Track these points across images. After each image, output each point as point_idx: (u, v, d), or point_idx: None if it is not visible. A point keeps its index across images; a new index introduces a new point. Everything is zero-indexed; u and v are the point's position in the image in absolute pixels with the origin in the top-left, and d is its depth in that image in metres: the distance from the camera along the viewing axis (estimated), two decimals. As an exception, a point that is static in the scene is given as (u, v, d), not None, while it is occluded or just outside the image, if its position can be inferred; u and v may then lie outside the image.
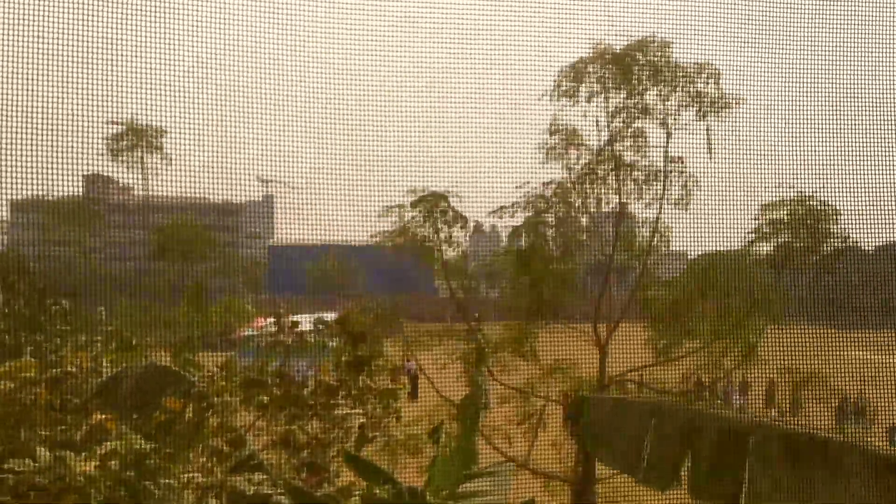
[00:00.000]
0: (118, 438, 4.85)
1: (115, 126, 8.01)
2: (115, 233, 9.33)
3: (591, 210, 10.78)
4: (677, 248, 11.88)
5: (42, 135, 6.28)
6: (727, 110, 9.36)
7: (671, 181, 9.90)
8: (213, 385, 5.73)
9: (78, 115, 6.37)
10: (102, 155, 8.02)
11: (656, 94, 9.74)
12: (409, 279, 11.77)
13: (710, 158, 9.44)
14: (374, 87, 8.96)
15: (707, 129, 9.44)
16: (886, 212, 7.76)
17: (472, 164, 10.27)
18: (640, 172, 9.99)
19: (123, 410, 5.60)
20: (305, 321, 6.73)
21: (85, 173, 6.51)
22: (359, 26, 7.90)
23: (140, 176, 8.85)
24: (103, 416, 5.08)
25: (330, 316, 7.08)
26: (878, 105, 7.93)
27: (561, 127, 10.11)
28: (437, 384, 10.72)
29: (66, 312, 7.45)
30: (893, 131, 7.76)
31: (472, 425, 5.69)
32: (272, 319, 6.57)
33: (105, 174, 8.90)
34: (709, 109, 9.44)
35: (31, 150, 6.30)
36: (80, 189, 7.19)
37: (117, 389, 5.92)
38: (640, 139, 9.97)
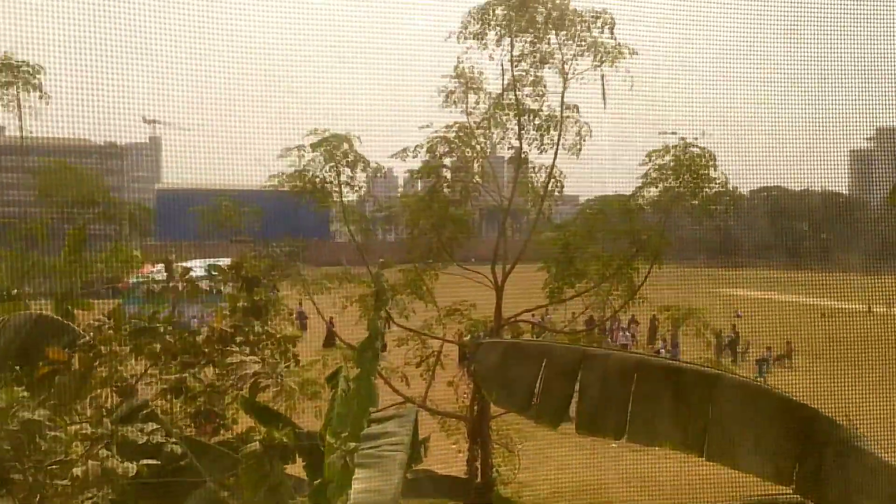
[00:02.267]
0: (-2, 392, 4.64)
1: None
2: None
3: (490, 154, 10.89)
4: (571, 193, 12.23)
5: None
6: (621, 59, 9.57)
7: (566, 128, 10.09)
8: (100, 334, 5.54)
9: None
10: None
11: (556, 42, 9.84)
12: (307, 224, 11.60)
13: (604, 107, 9.70)
14: (271, 27, 8.66)
15: (602, 78, 9.66)
16: (761, 158, 8.27)
17: (373, 106, 10.13)
18: (539, 119, 10.11)
19: (4, 363, 5.37)
20: (197, 267, 6.55)
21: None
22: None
23: (15, 116, 8.29)
24: (-20, 370, 4.84)
25: (224, 262, 6.92)
26: (759, 57, 8.37)
27: (466, 70, 10.07)
28: (335, 328, 10.75)
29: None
30: (771, 83, 8.22)
31: (371, 368, 5.77)
32: (161, 266, 6.36)
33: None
34: (604, 58, 9.62)
35: None
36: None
37: (-4, 341, 5.66)
38: (541, 86, 10.08)
